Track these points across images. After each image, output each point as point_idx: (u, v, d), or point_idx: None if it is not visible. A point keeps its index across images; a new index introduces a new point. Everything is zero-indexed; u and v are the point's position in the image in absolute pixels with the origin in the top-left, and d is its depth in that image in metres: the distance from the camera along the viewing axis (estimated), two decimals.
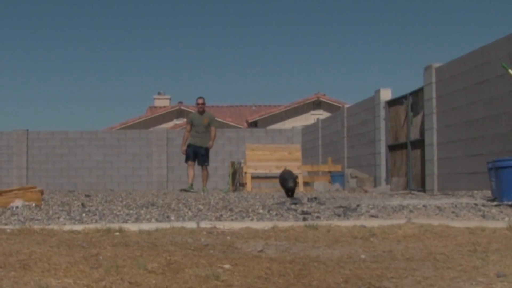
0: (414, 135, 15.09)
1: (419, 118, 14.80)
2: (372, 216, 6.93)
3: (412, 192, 13.72)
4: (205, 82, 79.56)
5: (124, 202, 9.74)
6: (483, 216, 6.67)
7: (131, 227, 5.75)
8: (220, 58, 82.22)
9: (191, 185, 16.39)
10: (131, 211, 7.76)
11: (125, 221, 6.52)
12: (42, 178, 25.10)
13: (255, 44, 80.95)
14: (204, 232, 5.49)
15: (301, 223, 5.93)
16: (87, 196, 12.89)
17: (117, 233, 5.38)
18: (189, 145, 16.71)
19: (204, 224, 6.01)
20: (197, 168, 16.97)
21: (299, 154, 18.21)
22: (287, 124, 36.46)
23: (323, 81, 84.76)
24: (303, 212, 7.42)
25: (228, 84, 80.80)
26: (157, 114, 42.66)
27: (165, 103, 47.81)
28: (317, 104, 39.80)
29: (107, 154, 25.96)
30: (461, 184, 12.28)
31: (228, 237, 5.16)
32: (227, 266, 3.72)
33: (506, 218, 6.32)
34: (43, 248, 4.27)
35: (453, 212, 7.12)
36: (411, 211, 7.33)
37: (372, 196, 11.61)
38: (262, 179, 18.45)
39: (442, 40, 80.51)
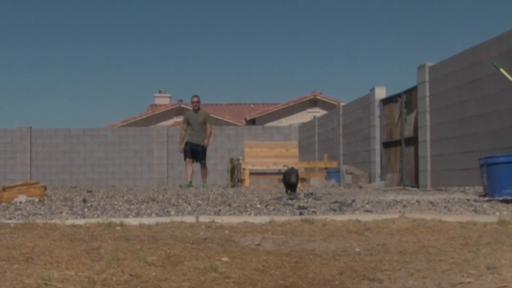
0: (408, 132, 15.10)
1: (412, 116, 14.81)
2: (367, 211, 6.93)
3: (406, 188, 13.73)
4: (204, 81, 79.60)
5: (125, 198, 9.73)
6: (475, 211, 6.68)
7: (132, 221, 5.74)
8: (220, 58, 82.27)
9: (190, 182, 16.37)
10: (132, 206, 7.76)
11: (126, 216, 6.52)
12: (45, 174, 25.08)
13: (253, 44, 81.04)
14: (203, 226, 5.49)
15: (298, 218, 5.93)
16: (89, 191, 12.88)
17: (118, 227, 5.38)
18: (186, 143, 16.67)
19: (203, 219, 6.01)
20: (196, 165, 16.94)
21: (296, 151, 18.20)
22: (285, 121, 36.49)
23: (319, 80, 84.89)
24: (299, 207, 7.42)
25: (227, 82, 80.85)
26: (157, 112, 42.64)
27: (166, 101, 47.77)
28: (314, 102, 39.80)
29: (108, 151, 25.95)
30: (453, 180, 12.29)
31: (227, 231, 5.17)
32: (225, 259, 3.72)
33: (497, 213, 6.33)
34: (45, 242, 4.27)
35: (445, 207, 7.13)
36: (404, 206, 7.34)
37: (367, 192, 11.62)
38: (260, 175, 18.43)
39: (435, 40, 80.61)
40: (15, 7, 72.96)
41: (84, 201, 8.87)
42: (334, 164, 19.55)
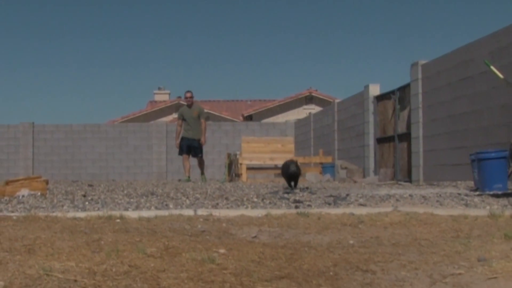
0: (401, 128, 15.10)
1: (406, 112, 14.80)
2: (361, 204, 6.94)
3: (399, 182, 13.73)
4: (202, 78, 79.54)
5: (125, 192, 9.73)
6: (466, 205, 6.69)
7: (132, 214, 5.74)
8: (217, 56, 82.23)
9: (188, 177, 16.36)
10: (131, 200, 7.75)
11: (126, 209, 6.52)
12: (47, 169, 25.04)
13: (251, 42, 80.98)
14: (201, 219, 5.49)
15: (293, 211, 5.94)
16: (90, 186, 12.87)
17: (118, 220, 5.37)
18: (182, 139, 16.59)
19: (201, 212, 6.00)
20: (193, 160, 16.91)
21: (292, 146, 18.22)
22: (281, 118, 36.42)
23: (315, 77, 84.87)
24: (295, 201, 7.42)
25: (225, 80, 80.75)
26: (157, 108, 42.55)
27: (165, 97, 47.69)
28: (309, 99, 39.76)
29: (109, 146, 25.91)
30: (445, 175, 12.30)
31: (224, 224, 5.17)
32: (222, 250, 3.72)
33: (488, 207, 6.33)
34: (47, 234, 4.27)
35: (437, 201, 7.13)
36: (397, 200, 7.35)
37: (361, 186, 11.62)
38: (256, 170, 18.44)
39: (428, 38, 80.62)
40: (17, 5, 72.85)
41: (84, 196, 8.86)
42: (329, 159, 19.55)
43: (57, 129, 25.96)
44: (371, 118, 16.99)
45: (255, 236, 4.53)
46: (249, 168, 17.69)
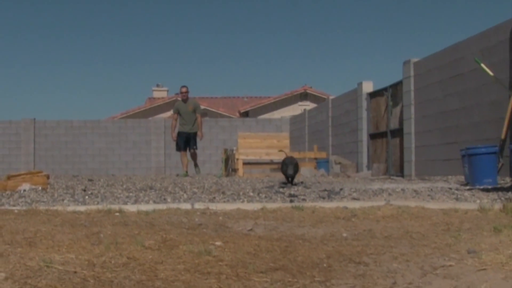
0: (394, 124, 15.11)
1: (398, 109, 14.81)
2: (354, 198, 6.94)
3: (392, 177, 13.74)
4: (200, 75, 79.50)
5: (124, 186, 9.72)
6: (457, 199, 6.69)
7: (130, 208, 5.74)
8: (215, 53, 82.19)
9: (186, 172, 16.32)
10: (130, 194, 7.75)
11: (125, 203, 6.51)
12: (48, 164, 25.01)
13: (247, 40, 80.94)
14: (198, 213, 5.49)
15: (288, 205, 5.94)
16: (90, 180, 12.85)
17: (117, 214, 5.37)
18: (179, 134, 16.48)
19: (198, 206, 6.00)
20: (188, 154, 16.85)
21: (287, 142, 18.20)
22: (276, 114, 36.42)
23: (309, 74, 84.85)
24: (290, 195, 7.42)
25: (222, 77, 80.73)
26: (155, 105, 42.48)
27: (163, 94, 47.61)
28: (304, 96, 39.72)
29: (109, 142, 25.89)
30: (436, 170, 12.31)
31: (220, 217, 5.16)
32: (218, 243, 3.72)
33: (478, 201, 6.34)
34: (48, 227, 4.26)
35: (428, 195, 7.14)
36: (390, 194, 7.35)
37: (354, 181, 11.63)
38: (253, 165, 18.43)
39: (420, 37, 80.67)
40: (17, 3, 72.71)
41: (84, 190, 8.85)
42: (323, 155, 19.56)
43: (58, 125, 25.93)
44: (364, 115, 17.00)
45: (250, 229, 4.53)
46: (246, 163, 17.67)
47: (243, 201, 6.72)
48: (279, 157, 17.34)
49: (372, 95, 16.70)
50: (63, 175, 20.70)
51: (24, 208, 5.81)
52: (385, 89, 15.65)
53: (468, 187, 8.41)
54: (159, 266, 3.07)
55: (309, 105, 34.80)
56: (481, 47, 10.80)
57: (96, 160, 25.76)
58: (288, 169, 10.11)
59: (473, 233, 4.05)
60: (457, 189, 7.96)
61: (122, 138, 25.96)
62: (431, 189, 7.92)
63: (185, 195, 7.51)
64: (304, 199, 6.87)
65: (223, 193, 7.83)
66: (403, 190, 7.85)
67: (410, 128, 13.61)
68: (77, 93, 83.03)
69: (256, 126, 26.55)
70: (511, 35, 9.89)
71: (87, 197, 7.34)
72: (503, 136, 9.86)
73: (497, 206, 5.44)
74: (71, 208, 5.78)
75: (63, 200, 6.99)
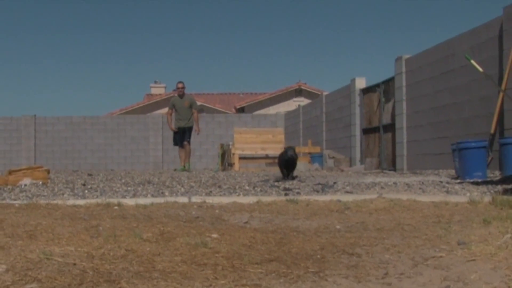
0: (386, 119, 15.12)
1: (390, 104, 14.82)
2: (347, 192, 6.95)
3: (384, 171, 13.76)
4: (197, 72, 79.47)
5: (123, 180, 9.71)
6: (447, 192, 6.71)
7: (129, 201, 5.73)
8: (212, 51, 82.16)
9: (184, 166, 16.29)
10: (129, 188, 7.74)
11: (124, 197, 6.51)
12: (48, 159, 24.97)
13: (243, 38, 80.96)
14: (195, 206, 5.49)
15: (283, 198, 5.94)
16: (89, 175, 12.84)
17: (116, 207, 5.37)
18: (176, 131, 16.40)
19: (195, 199, 6.00)
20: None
21: (282, 137, 18.21)
22: (272, 110, 36.41)
23: (304, 71, 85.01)
24: (285, 189, 7.43)
25: (218, 73, 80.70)
26: (153, 101, 42.42)
27: (161, 91, 47.54)
28: (299, 92, 39.70)
29: (108, 137, 25.85)
30: (428, 164, 12.33)
31: (217, 210, 5.17)
32: (215, 235, 3.73)
33: (468, 194, 6.35)
34: (48, 220, 4.26)
35: (420, 188, 7.15)
36: (382, 187, 7.36)
37: (348, 175, 11.63)
38: (248, 160, 18.42)
39: (412, 34, 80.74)
40: (18, 0, 72.53)
41: (84, 184, 8.84)
42: (317, 149, 19.58)
43: (58, 121, 25.89)
44: (357, 110, 17.01)
45: (246, 222, 4.53)
46: (241, 158, 17.67)
47: (239, 195, 6.72)
48: (274, 151, 17.38)
49: (365, 91, 16.71)
50: (63, 170, 20.68)
51: (25, 202, 5.80)
52: (378, 85, 15.66)
53: (458, 181, 8.42)
54: (157, 258, 3.07)
55: (303, 101, 34.79)
56: (471, 44, 10.81)
57: (95, 155, 25.73)
58: (288, 152, 9.92)
59: (463, 225, 4.06)
60: (447, 183, 7.98)
61: (121, 133, 25.93)
62: (423, 183, 7.93)
63: (182, 189, 7.51)
64: (298, 193, 6.87)
65: (220, 187, 7.83)
66: (395, 183, 7.85)
67: (402, 123, 13.63)
68: (77, 90, 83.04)
69: (252, 121, 26.55)
70: (500, 32, 9.90)
71: (86, 191, 7.34)
72: (492, 131, 9.88)
73: (487, 199, 5.44)
74: (71, 202, 5.77)
75: (63, 194, 6.98)
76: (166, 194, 6.85)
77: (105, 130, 25.90)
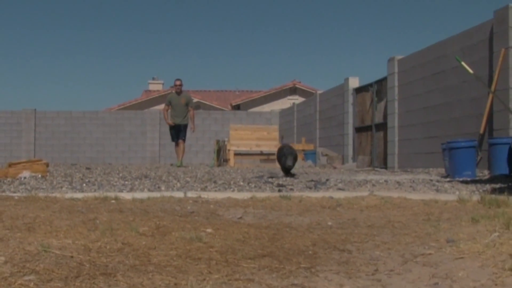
0: (378, 119, 15.13)
1: (382, 104, 14.83)
2: (340, 189, 6.95)
3: (376, 169, 13.77)
4: (194, 69, 79.53)
5: (120, 175, 9.70)
6: (437, 190, 6.71)
7: (126, 195, 5.72)
8: (209, 48, 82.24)
9: (180, 162, 16.28)
10: (126, 182, 7.73)
11: (121, 191, 6.50)
12: (48, 152, 24.93)
13: (240, 36, 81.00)
14: (191, 201, 5.48)
15: (277, 194, 5.94)
16: (87, 169, 12.82)
17: (113, 201, 5.35)
18: (172, 127, 16.35)
19: (191, 194, 6.00)
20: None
21: (276, 134, 18.21)
22: (267, 107, 36.38)
23: (299, 69, 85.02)
24: (278, 185, 7.42)
25: (215, 71, 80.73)
26: (151, 97, 42.34)
27: (159, 87, 47.45)
28: (293, 90, 39.68)
29: (106, 132, 25.82)
30: (418, 163, 12.35)
31: (212, 206, 5.16)
32: (209, 230, 3.72)
33: (457, 192, 6.36)
34: (46, 213, 4.24)
35: (410, 186, 7.16)
36: (374, 185, 7.36)
37: (340, 172, 11.64)
38: (243, 156, 18.42)
39: (404, 35, 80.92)
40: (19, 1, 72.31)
41: (82, 178, 8.82)
42: (311, 147, 19.59)
43: (58, 116, 25.84)
44: (350, 109, 17.02)
45: (240, 217, 4.52)
46: (237, 154, 17.67)
47: (233, 190, 6.72)
48: (268, 148, 17.38)
49: (358, 90, 16.72)
50: (62, 163, 20.65)
51: (24, 194, 5.78)
52: (371, 84, 15.67)
53: (448, 179, 8.44)
54: (152, 252, 3.06)
55: (298, 99, 34.77)
56: (462, 46, 10.82)
57: (93, 150, 25.70)
58: (287, 160, 9.86)
59: (452, 223, 4.06)
60: (437, 181, 7.99)
61: (119, 128, 25.90)
62: (413, 181, 7.94)
63: (178, 184, 7.50)
64: (291, 189, 6.87)
65: (215, 182, 7.82)
66: (386, 181, 7.86)
67: (394, 122, 13.64)
68: (77, 85, 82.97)
69: (247, 118, 26.54)
70: (491, 35, 9.91)
71: (84, 184, 7.32)
72: (482, 131, 9.90)
73: (475, 197, 5.45)
74: (69, 195, 5.76)
75: (61, 187, 6.96)
76: (163, 188, 6.84)
77: (103, 125, 25.87)
